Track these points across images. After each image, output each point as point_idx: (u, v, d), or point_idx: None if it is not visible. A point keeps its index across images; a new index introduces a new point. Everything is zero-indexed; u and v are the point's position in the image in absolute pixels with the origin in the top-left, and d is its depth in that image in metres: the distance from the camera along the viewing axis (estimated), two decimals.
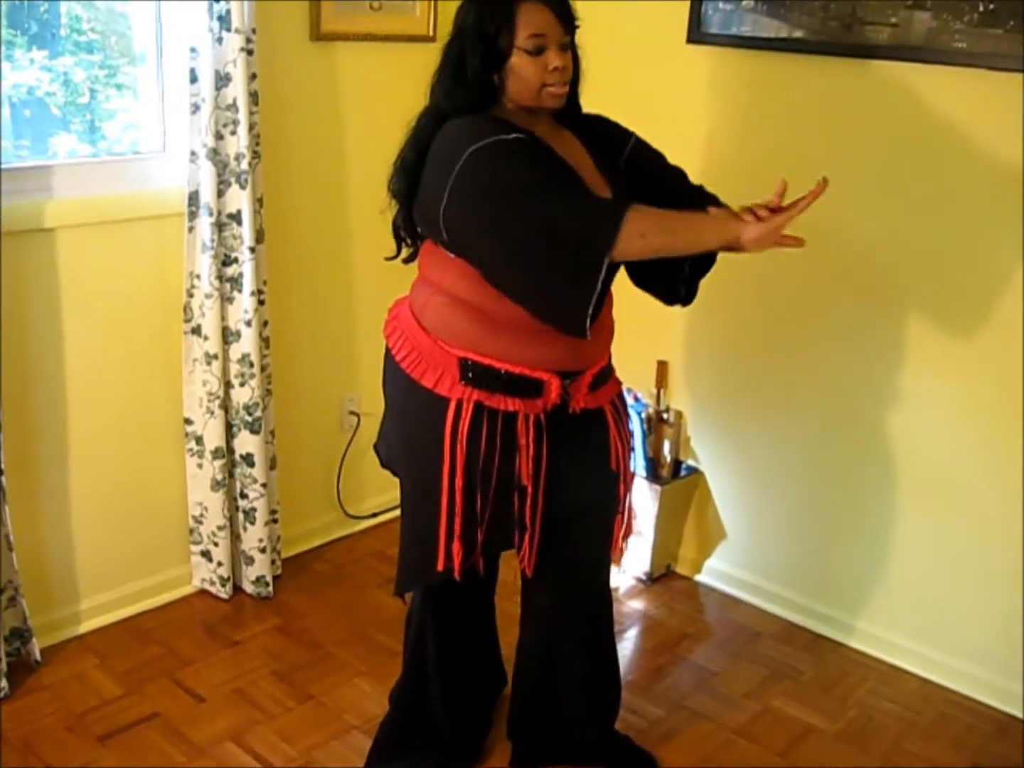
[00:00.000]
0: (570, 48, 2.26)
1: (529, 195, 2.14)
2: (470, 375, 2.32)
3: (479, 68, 2.23)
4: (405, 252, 2.50)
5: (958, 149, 2.97)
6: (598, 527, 2.58)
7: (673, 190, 2.42)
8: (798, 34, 3.15)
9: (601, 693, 2.76)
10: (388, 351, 2.49)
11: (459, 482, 2.35)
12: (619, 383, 2.59)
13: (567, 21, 2.23)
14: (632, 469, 2.64)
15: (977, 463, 3.10)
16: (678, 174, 2.52)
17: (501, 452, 2.35)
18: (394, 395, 2.51)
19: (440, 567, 2.42)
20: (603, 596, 2.70)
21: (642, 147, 2.51)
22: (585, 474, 2.49)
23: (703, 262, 2.43)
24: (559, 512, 2.47)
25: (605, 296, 2.19)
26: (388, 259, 2.51)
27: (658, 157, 2.53)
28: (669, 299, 2.51)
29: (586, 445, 2.48)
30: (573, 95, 2.38)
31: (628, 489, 2.60)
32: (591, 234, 2.11)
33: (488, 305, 2.27)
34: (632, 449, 2.62)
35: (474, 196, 2.17)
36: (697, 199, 2.38)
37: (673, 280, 2.45)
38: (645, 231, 2.11)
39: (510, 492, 2.39)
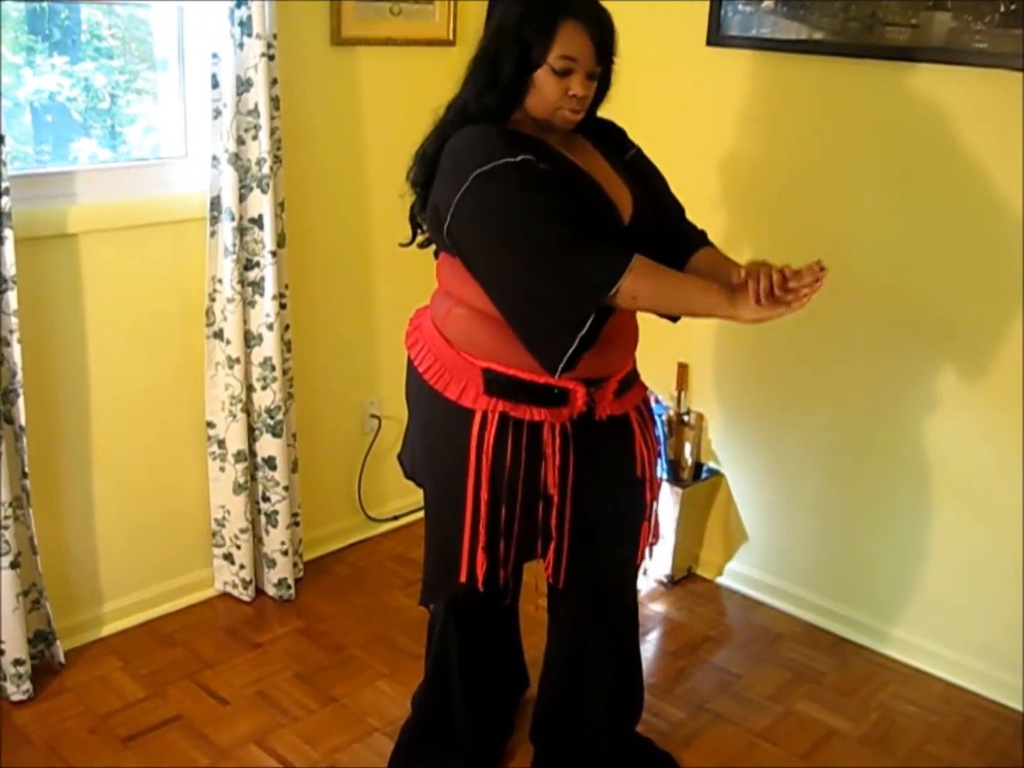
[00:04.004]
0: (599, 76, 2.23)
1: (526, 236, 2.11)
2: (494, 386, 2.31)
3: (512, 73, 2.20)
4: (421, 238, 2.48)
5: (979, 150, 2.96)
6: (624, 534, 2.56)
7: (663, 218, 2.40)
8: (818, 36, 3.15)
9: (625, 697, 2.75)
10: (410, 362, 2.48)
11: (484, 493, 2.35)
12: (644, 388, 2.57)
13: (603, 51, 2.20)
14: (659, 475, 2.62)
15: (1002, 466, 3.08)
16: (674, 205, 2.49)
17: (527, 462, 2.34)
18: (418, 406, 2.50)
19: (463, 579, 2.41)
20: (629, 602, 2.69)
21: (641, 162, 2.49)
22: (611, 481, 2.48)
23: None
24: (585, 520, 2.46)
25: (589, 343, 2.14)
26: (403, 245, 2.48)
27: (656, 176, 2.50)
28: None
29: (612, 452, 2.46)
30: (590, 109, 2.36)
31: (655, 496, 2.58)
32: (580, 291, 2.09)
33: None
34: (659, 455, 2.60)
35: (475, 222, 2.16)
36: (681, 234, 2.40)
37: None
38: (638, 295, 2.10)
39: (535, 502, 2.38)
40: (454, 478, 2.37)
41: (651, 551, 2.64)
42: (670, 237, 2.41)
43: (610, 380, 2.39)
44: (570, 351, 2.11)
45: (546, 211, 2.12)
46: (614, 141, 2.47)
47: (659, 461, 2.61)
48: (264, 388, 3.33)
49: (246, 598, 3.52)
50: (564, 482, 2.38)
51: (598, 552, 2.53)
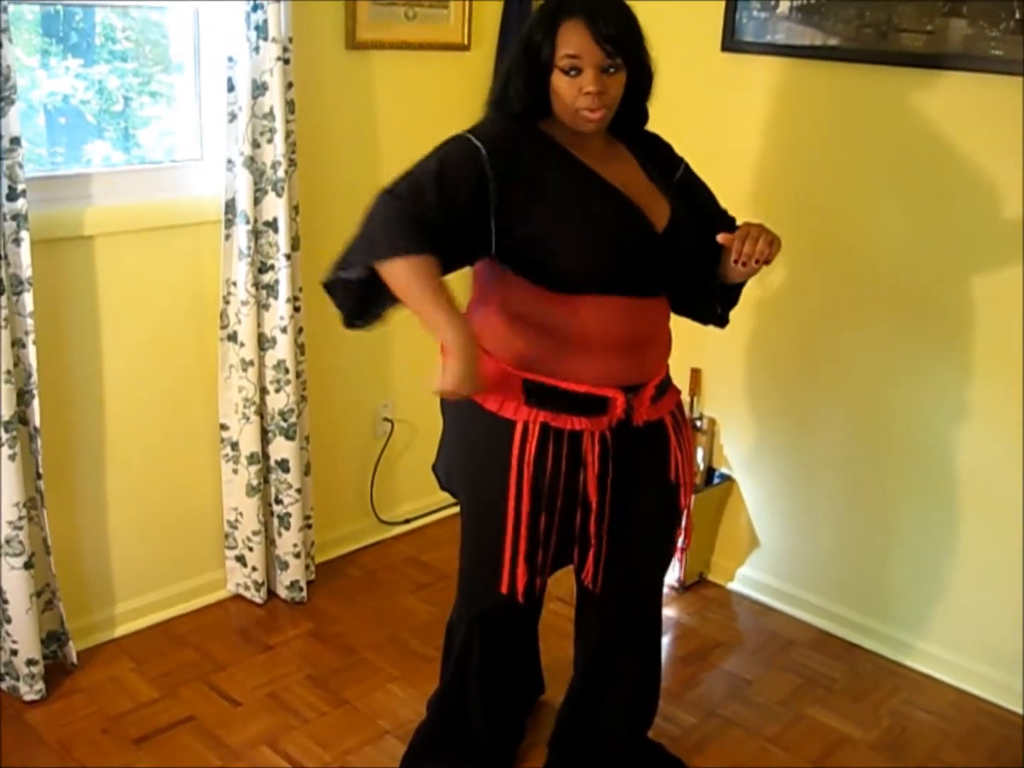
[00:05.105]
0: (622, 70, 2.20)
1: (404, 179, 2.22)
2: (535, 396, 2.31)
3: (521, 84, 2.23)
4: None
5: (995, 156, 2.95)
6: (659, 539, 2.57)
7: (710, 234, 2.35)
8: (833, 42, 3.15)
9: (643, 703, 2.76)
10: None
11: (525, 505, 2.35)
12: (678, 392, 2.57)
13: (613, 44, 2.16)
14: (693, 480, 2.61)
15: (1015, 472, 3.07)
16: (724, 220, 2.49)
17: (567, 471, 2.35)
18: (456, 418, 2.49)
19: (504, 590, 2.41)
20: (658, 606, 2.70)
21: (689, 180, 2.49)
22: (648, 487, 2.48)
23: (732, 293, 2.47)
24: (622, 525, 2.46)
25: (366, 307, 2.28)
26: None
27: (704, 193, 2.52)
28: (704, 319, 2.56)
29: (648, 457, 2.47)
30: (638, 110, 2.38)
31: (688, 501, 2.58)
32: (374, 241, 2.19)
33: (549, 321, 2.27)
34: (692, 459, 2.60)
35: None
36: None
37: (708, 304, 2.49)
38: (395, 285, 2.18)
39: (574, 510, 2.39)
40: (495, 489, 2.37)
41: (682, 556, 2.65)
42: (717, 250, 2.37)
43: (647, 386, 2.39)
44: (338, 272, 2.25)
45: (425, 180, 2.18)
46: (661, 159, 2.46)
47: (693, 466, 2.61)
48: (278, 391, 3.33)
49: (258, 600, 3.52)
50: (603, 489, 2.39)
51: (632, 557, 2.53)
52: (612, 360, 2.30)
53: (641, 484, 2.47)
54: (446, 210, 2.17)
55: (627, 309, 2.28)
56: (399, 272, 2.16)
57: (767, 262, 2.22)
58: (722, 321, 2.55)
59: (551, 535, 2.39)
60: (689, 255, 2.37)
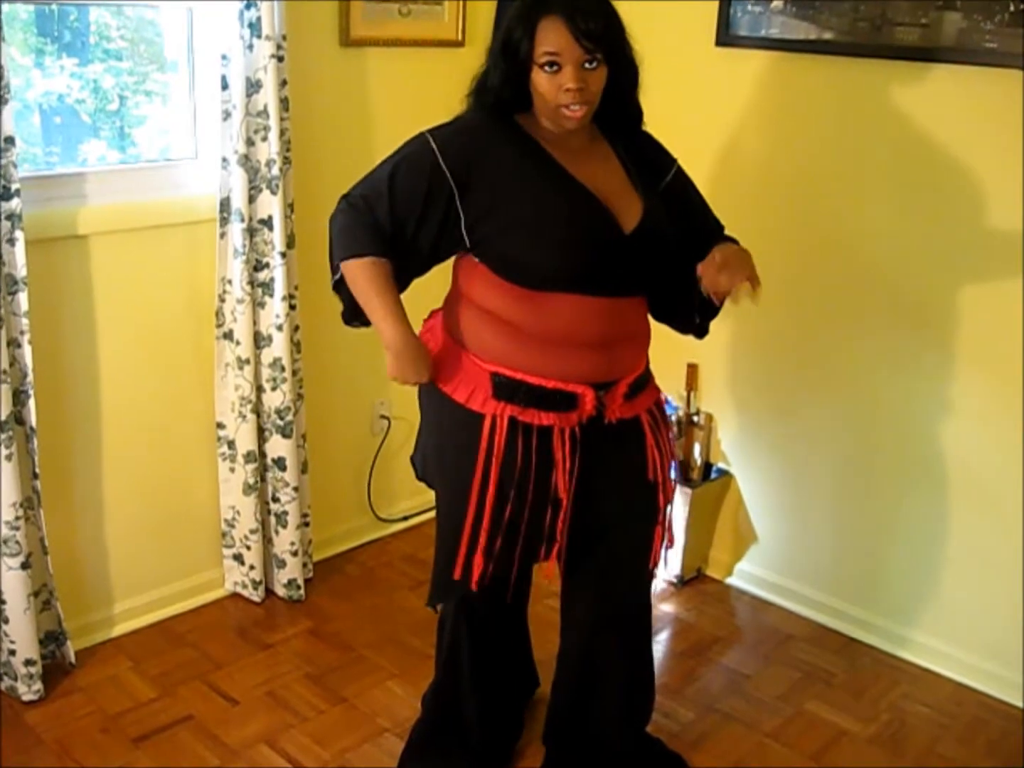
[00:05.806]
0: (603, 64, 2.18)
1: (360, 185, 2.36)
2: (502, 390, 2.32)
3: (499, 79, 2.24)
4: None
5: (989, 150, 2.95)
6: (636, 538, 2.55)
7: (698, 243, 2.35)
8: (827, 36, 3.14)
9: (636, 699, 2.75)
10: None
11: (490, 496, 2.35)
12: (658, 391, 2.57)
13: (592, 41, 2.14)
14: (673, 479, 2.60)
15: (1013, 465, 3.07)
16: (709, 224, 2.49)
17: (537, 466, 2.34)
18: (428, 409, 2.51)
19: (457, 576, 2.42)
20: (642, 605, 2.69)
21: (680, 183, 2.48)
22: (621, 485, 2.48)
23: (711, 306, 2.46)
24: (595, 523, 2.46)
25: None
26: None
27: (693, 198, 2.50)
28: (684, 328, 2.56)
29: (622, 456, 2.46)
30: (629, 105, 2.37)
31: (668, 499, 2.56)
32: (332, 246, 2.38)
33: (515, 318, 2.28)
34: (673, 458, 2.59)
35: None
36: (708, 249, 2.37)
37: (687, 315, 2.49)
38: (352, 287, 2.35)
39: (544, 505, 2.39)
40: (464, 481, 2.37)
41: (665, 555, 2.64)
42: (700, 254, 2.34)
43: (619, 384, 2.38)
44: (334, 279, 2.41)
45: (382, 185, 2.29)
46: (650, 160, 2.44)
47: (673, 465, 2.60)
48: (274, 389, 3.33)
49: (256, 599, 3.52)
50: (574, 486, 2.38)
51: (609, 556, 2.53)
52: (581, 357, 2.31)
53: (616, 482, 2.46)
54: (398, 215, 2.27)
55: (596, 308, 2.28)
56: (351, 274, 2.33)
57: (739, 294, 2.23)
58: (700, 331, 2.54)
59: (519, 529, 2.39)
60: (664, 259, 2.36)
